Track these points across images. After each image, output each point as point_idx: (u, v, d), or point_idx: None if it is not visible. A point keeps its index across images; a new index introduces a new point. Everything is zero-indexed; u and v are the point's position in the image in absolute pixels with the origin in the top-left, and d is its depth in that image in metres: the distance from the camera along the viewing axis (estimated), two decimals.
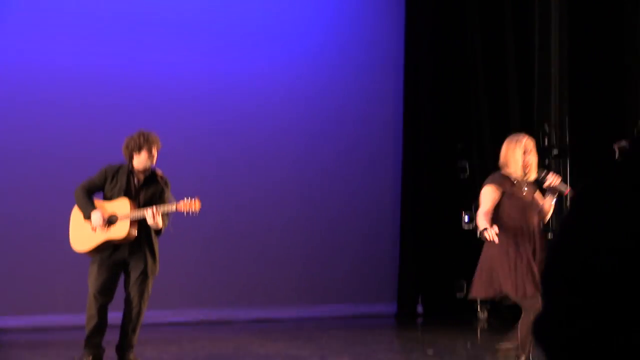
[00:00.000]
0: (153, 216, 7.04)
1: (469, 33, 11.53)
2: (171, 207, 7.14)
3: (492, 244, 6.41)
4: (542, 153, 10.23)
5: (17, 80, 10.01)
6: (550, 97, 10.75)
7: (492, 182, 6.64)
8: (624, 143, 9.41)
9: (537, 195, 6.62)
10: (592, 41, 10.28)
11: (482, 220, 6.50)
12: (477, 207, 11.09)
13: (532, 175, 6.59)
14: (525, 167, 6.56)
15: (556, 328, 1.44)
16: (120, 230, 7.16)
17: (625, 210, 1.42)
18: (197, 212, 7.18)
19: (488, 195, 6.59)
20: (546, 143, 10.37)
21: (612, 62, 10.15)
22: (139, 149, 7.25)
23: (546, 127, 10.49)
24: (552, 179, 6.56)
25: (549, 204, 6.57)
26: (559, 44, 10.68)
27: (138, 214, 7.10)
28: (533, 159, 6.58)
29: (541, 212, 6.58)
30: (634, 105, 10.10)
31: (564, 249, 1.49)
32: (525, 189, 6.55)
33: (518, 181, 6.58)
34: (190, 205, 7.15)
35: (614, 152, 9.36)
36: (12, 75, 9.98)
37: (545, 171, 6.68)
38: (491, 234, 6.33)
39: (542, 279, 1.51)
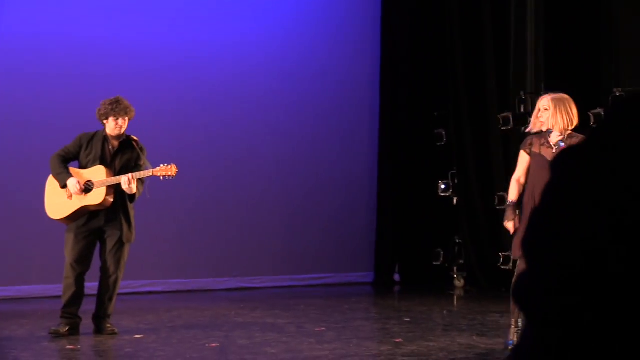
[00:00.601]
0: (129, 181, 7.03)
1: (446, 6, 11.49)
2: (147, 173, 7.14)
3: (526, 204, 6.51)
4: (518, 120, 10.28)
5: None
6: (526, 65, 10.76)
7: (521, 145, 6.71)
8: (599, 110, 9.45)
9: None
10: (567, 9, 10.28)
11: (512, 188, 6.68)
12: (453, 176, 11.24)
13: (558, 134, 6.49)
14: (536, 124, 6.57)
15: (535, 292, 1.44)
16: (97, 197, 7.14)
17: (597, 174, 1.42)
18: (174, 176, 7.20)
19: (519, 160, 6.72)
20: (522, 110, 10.39)
21: (587, 31, 10.16)
22: (107, 117, 7.25)
23: (522, 95, 10.51)
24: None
25: None
26: (535, 12, 10.68)
27: (113, 180, 7.09)
28: (545, 114, 6.50)
29: None
30: (609, 73, 10.14)
31: (542, 214, 1.50)
32: (555, 147, 6.47)
33: (547, 140, 6.54)
34: (166, 170, 7.15)
35: (590, 119, 9.40)
36: None
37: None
38: (509, 226, 6.59)
39: (523, 242, 1.52)
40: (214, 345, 6.74)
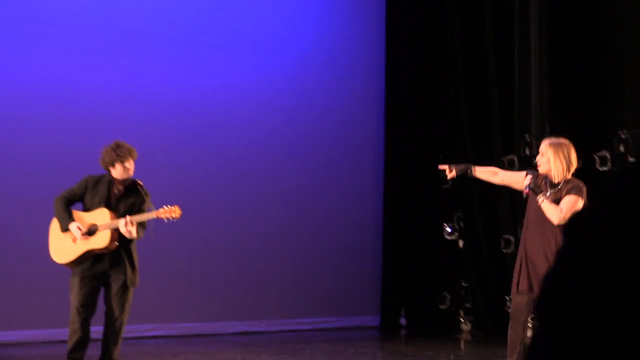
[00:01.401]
0: (126, 224, 7.03)
1: (449, 42, 11.57)
2: (151, 215, 7.14)
3: None
4: (524, 162, 10.28)
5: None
6: (530, 107, 10.79)
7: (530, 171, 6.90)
8: (604, 153, 9.45)
9: (566, 198, 6.56)
10: (572, 50, 10.33)
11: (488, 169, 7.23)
12: (459, 219, 11.21)
13: (556, 179, 6.62)
14: (538, 166, 6.73)
15: (550, 357, 1.44)
16: (101, 240, 7.13)
17: (612, 238, 1.44)
18: (178, 218, 7.19)
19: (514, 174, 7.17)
20: (527, 152, 10.40)
21: (592, 72, 10.21)
22: (113, 163, 7.25)
23: (527, 137, 10.53)
24: (529, 180, 6.67)
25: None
26: (539, 54, 10.73)
27: (117, 223, 7.09)
28: (542, 159, 6.66)
29: None
30: (614, 115, 10.16)
31: (556, 279, 1.50)
32: (550, 191, 6.59)
33: (552, 183, 6.64)
34: (170, 212, 7.15)
35: (595, 161, 9.41)
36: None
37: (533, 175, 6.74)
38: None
39: (536, 307, 1.52)
40: None
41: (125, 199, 7.30)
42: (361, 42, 11.82)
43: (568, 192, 6.53)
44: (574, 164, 6.65)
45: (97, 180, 7.32)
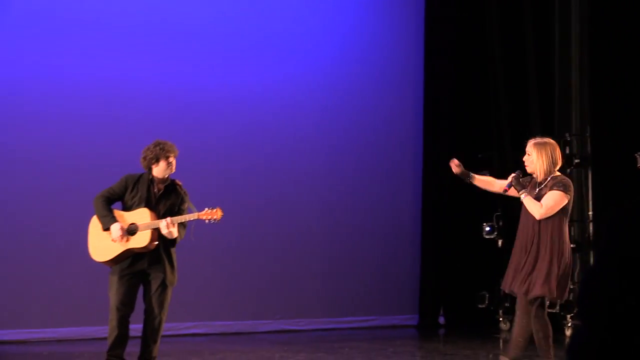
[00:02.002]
0: (167, 226, 7.08)
1: (489, 42, 11.52)
2: (193, 216, 7.19)
3: None
4: (563, 162, 10.21)
5: (33, 92, 10.05)
6: (571, 106, 10.71)
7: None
8: None
9: (548, 193, 6.76)
10: (614, 48, 10.24)
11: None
12: (498, 218, 11.16)
13: (540, 177, 6.87)
14: (525, 167, 6.94)
15: (590, 353, 1.43)
16: (142, 240, 7.18)
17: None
18: (219, 220, 7.23)
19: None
20: (567, 151, 10.32)
21: (634, 70, 10.10)
22: (157, 160, 7.28)
23: (567, 136, 10.45)
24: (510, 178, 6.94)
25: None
26: (580, 52, 10.64)
27: (157, 223, 7.13)
28: (528, 159, 6.92)
29: None
30: None
31: (598, 274, 1.49)
32: (535, 191, 6.83)
33: (537, 182, 6.89)
34: (212, 214, 7.20)
35: (636, 160, 9.32)
36: (31, 87, 10.02)
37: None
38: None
39: (579, 304, 1.51)
40: None
41: (165, 198, 7.34)
42: (399, 40, 11.80)
43: (551, 188, 6.73)
44: (559, 163, 6.88)
45: (137, 179, 7.37)
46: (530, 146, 6.90)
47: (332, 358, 8.57)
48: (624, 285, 1.42)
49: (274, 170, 11.03)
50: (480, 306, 11.27)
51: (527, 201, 6.75)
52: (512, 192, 7.04)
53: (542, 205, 6.69)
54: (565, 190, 6.69)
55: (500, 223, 11.19)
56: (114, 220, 7.24)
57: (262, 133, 10.98)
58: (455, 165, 7.14)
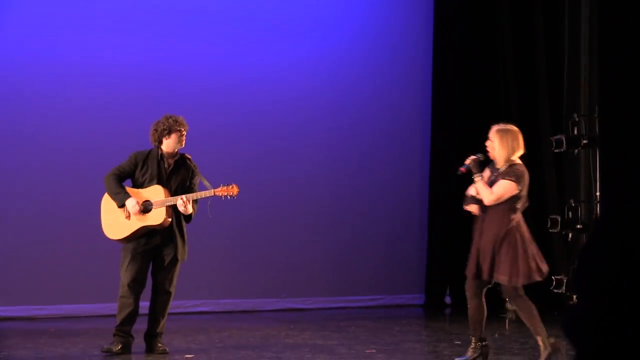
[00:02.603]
0: (184, 204, 7.08)
1: (498, 25, 11.47)
2: (209, 193, 7.18)
3: None
4: (571, 143, 10.18)
5: (40, 73, 10.06)
6: (579, 87, 10.67)
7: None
8: None
9: (499, 182, 6.81)
10: (622, 30, 10.18)
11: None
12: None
13: (499, 163, 6.88)
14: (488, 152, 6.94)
15: (588, 330, 1.43)
16: (157, 217, 7.18)
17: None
18: (235, 196, 7.22)
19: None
20: (575, 132, 10.29)
21: None
22: (169, 132, 7.26)
23: (575, 117, 10.41)
24: (469, 160, 6.97)
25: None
26: (590, 33, 10.59)
27: (172, 200, 7.14)
28: (490, 145, 6.90)
29: None
30: None
31: (597, 250, 1.48)
32: (495, 175, 6.87)
33: (496, 168, 6.91)
34: (228, 190, 7.19)
35: None
36: (36, 69, 10.03)
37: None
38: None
39: (576, 278, 1.50)
40: None
41: (176, 173, 7.33)
42: (409, 23, 11.78)
43: (504, 176, 6.78)
44: (519, 150, 6.89)
45: (146, 156, 7.34)
46: (492, 132, 6.90)
47: (338, 337, 8.59)
48: (622, 259, 1.41)
49: (284, 151, 11.04)
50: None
51: (479, 186, 6.83)
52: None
53: (492, 192, 6.74)
54: (516, 180, 6.77)
55: None
56: (128, 196, 7.23)
57: (272, 113, 10.98)
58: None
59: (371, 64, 11.53)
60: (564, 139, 10.31)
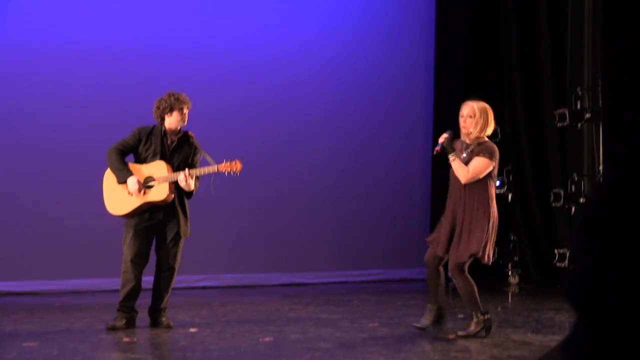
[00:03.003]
0: (185, 179, 7.10)
1: None
2: (212, 169, 7.19)
3: None
4: (574, 117, 10.17)
5: (45, 52, 10.06)
6: (583, 61, 10.64)
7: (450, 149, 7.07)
8: None
9: (474, 160, 6.82)
10: (626, 3, 10.14)
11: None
12: (508, 173, 11.16)
13: (472, 140, 6.87)
14: (461, 129, 6.91)
15: (586, 293, 1.44)
16: (160, 193, 7.20)
17: None
18: (239, 172, 7.23)
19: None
20: (578, 106, 10.28)
21: None
22: (171, 110, 7.27)
23: (579, 91, 10.39)
24: (443, 138, 6.93)
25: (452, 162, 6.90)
26: (593, 6, 10.55)
27: (174, 176, 7.15)
28: (470, 121, 6.85)
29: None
30: None
31: (595, 213, 1.49)
32: (464, 154, 6.87)
33: (467, 145, 6.91)
34: (232, 166, 7.19)
35: None
36: (42, 47, 10.03)
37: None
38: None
39: (574, 240, 1.51)
40: (267, 339, 6.78)
41: (179, 150, 7.34)
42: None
43: (478, 154, 6.81)
44: (489, 127, 6.90)
45: (150, 132, 7.35)
46: (471, 109, 6.89)
47: (342, 311, 8.63)
48: (617, 224, 1.42)
49: (287, 126, 11.04)
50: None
51: (456, 165, 6.84)
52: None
53: (469, 170, 6.78)
54: (490, 157, 6.82)
55: (511, 177, 11.18)
56: (130, 173, 7.24)
57: (277, 91, 11.00)
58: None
59: (376, 41, 11.51)
60: (567, 113, 10.30)
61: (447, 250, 6.96)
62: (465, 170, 6.80)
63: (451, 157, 6.87)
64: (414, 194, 11.69)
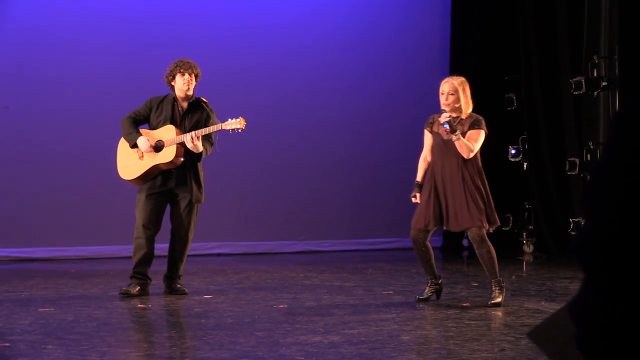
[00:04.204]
0: (192, 139, 7.11)
1: None
2: (216, 127, 7.20)
3: None
4: (590, 85, 10.10)
5: (62, 19, 10.06)
6: (600, 29, 10.55)
7: (425, 124, 7.11)
8: None
9: (471, 133, 6.82)
10: None
11: (419, 167, 7.17)
12: (523, 141, 11.12)
13: (464, 115, 6.89)
14: (443, 107, 6.85)
15: (597, 248, 1.42)
16: (167, 155, 7.23)
17: None
18: (243, 129, 7.23)
19: (424, 139, 7.11)
20: (595, 74, 10.21)
21: None
22: (173, 76, 7.33)
23: (595, 59, 10.31)
24: (447, 117, 6.82)
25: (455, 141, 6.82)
26: None
27: (183, 137, 7.17)
28: (452, 98, 6.84)
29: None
30: None
31: (606, 168, 1.47)
32: (442, 127, 6.83)
33: (460, 120, 6.90)
34: (235, 122, 7.20)
35: None
36: (59, 17, 10.03)
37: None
38: (413, 200, 7.14)
39: (585, 196, 1.50)
40: (282, 306, 6.81)
41: (190, 115, 7.37)
42: None
43: (471, 127, 6.85)
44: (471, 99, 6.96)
45: (161, 100, 7.41)
46: (452, 84, 6.88)
47: (356, 278, 8.65)
48: (630, 178, 1.40)
49: (302, 93, 11.03)
50: (504, 229, 11.28)
51: (461, 144, 6.79)
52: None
53: (472, 147, 6.79)
54: (483, 127, 6.88)
55: (526, 146, 11.14)
56: (139, 134, 7.30)
57: (290, 58, 10.98)
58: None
59: (390, 9, 11.44)
60: (583, 81, 10.23)
61: (439, 224, 6.90)
62: (469, 146, 6.79)
63: (455, 136, 6.79)
64: None
